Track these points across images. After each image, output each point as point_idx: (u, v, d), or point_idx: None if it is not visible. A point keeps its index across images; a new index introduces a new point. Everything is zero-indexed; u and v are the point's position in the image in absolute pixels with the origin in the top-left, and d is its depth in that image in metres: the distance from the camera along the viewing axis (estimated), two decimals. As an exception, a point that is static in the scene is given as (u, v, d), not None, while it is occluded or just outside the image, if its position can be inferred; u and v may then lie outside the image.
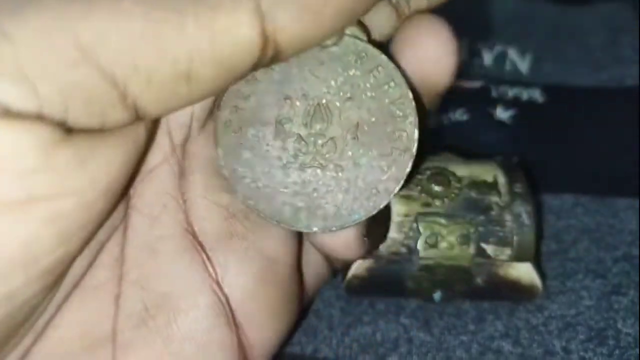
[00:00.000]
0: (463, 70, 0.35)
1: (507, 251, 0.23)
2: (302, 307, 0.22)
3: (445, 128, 0.32)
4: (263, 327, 0.20)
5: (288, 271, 0.20)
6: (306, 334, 0.24)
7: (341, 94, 0.19)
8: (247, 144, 0.19)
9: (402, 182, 0.19)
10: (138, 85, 0.15)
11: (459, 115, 0.32)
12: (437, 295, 0.24)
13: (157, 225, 0.19)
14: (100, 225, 0.17)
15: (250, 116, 0.19)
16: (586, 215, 0.28)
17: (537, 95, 0.34)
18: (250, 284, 0.19)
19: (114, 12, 0.15)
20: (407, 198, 0.24)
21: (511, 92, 0.34)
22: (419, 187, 0.24)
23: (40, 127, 0.14)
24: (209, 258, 0.19)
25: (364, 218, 0.19)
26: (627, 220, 0.28)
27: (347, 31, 0.18)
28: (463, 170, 0.24)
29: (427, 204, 0.24)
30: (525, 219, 0.23)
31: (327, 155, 0.19)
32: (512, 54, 0.36)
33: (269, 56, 0.16)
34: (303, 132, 0.19)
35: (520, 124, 0.32)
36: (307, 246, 0.22)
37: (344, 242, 0.20)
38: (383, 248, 0.23)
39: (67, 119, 0.14)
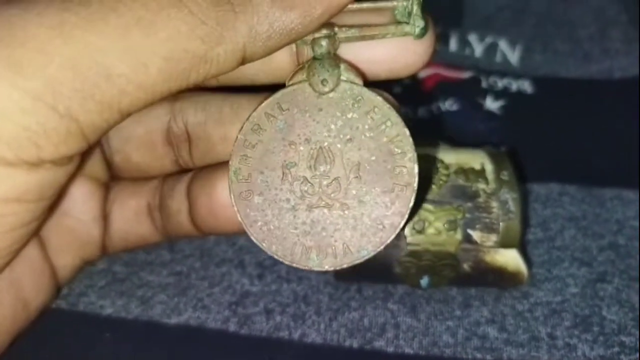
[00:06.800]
0: (454, 60, 0.35)
1: (494, 237, 0.24)
2: None
3: (436, 118, 0.32)
4: None
5: None
6: (294, 319, 0.24)
7: (341, 136, 0.19)
8: (256, 190, 0.20)
9: (406, 216, 0.19)
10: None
11: (449, 105, 0.33)
12: (424, 281, 0.25)
13: None
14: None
15: (258, 163, 0.20)
16: (573, 204, 0.29)
17: (526, 86, 0.34)
18: None
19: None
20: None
21: (501, 83, 0.34)
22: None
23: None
24: None
25: (372, 254, 0.20)
26: (613, 210, 0.29)
27: (343, 77, 0.19)
28: (451, 157, 0.25)
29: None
30: (512, 206, 0.24)
31: (332, 195, 0.20)
32: (503, 45, 0.36)
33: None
34: (308, 174, 0.20)
35: (509, 115, 0.33)
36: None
37: None
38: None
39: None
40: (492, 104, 0.33)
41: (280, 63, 0.20)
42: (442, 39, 0.36)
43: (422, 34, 0.19)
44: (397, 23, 0.19)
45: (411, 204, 0.19)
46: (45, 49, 0.16)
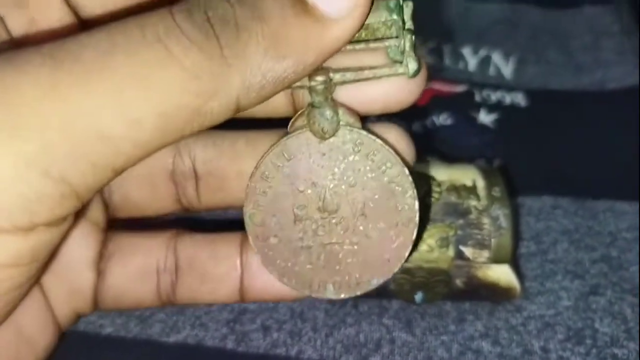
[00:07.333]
0: (447, 74, 0.36)
1: (485, 254, 0.24)
2: None
3: (429, 132, 0.33)
4: None
5: None
6: (291, 335, 0.25)
7: (345, 178, 0.20)
8: (272, 232, 0.21)
9: (410, 248, 0.21)
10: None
11: (443, 119, 0.33)
12: (418, 297, 0.25)
13: None
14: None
15: (270, 208, 0.21)
16: (565, 217, 0.29)
17: (519, 99, 0.34)
18: None
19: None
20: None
21: (494, 96, 0.34)
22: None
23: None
24: None
25: (381, 282, 0.21)
26: (606, 222, 0.29)
27: (342, 121, 0.20)
28: (443, 174, 0.25)
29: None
30: (503, 222, 0.24)
31: (342, 233, 0.21)
32: (496, 58, 0.37)
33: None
34: (317, 215, 0.21)
35: (503, 128, 0.33)
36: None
37: None
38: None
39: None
40: (485, 118, 0.33)
41: (276, 102, 0.21)
42: (435, 53, 0.37)
43: (415, 74, 0.19)
44: (390, 64, 0.19)
45: (414, 237, 0.21)
46: (39, 111, 0.16)
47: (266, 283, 0.22)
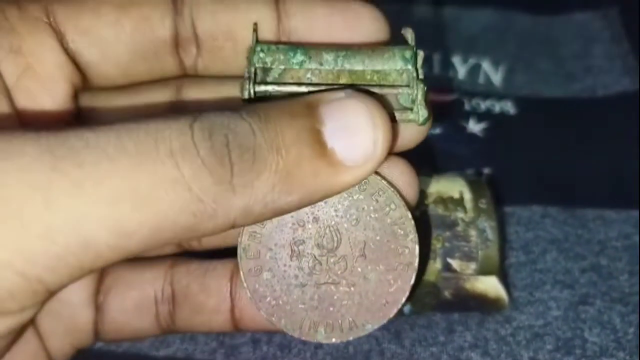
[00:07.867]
0: (437, 83, 0.36)
1: (473, 265, 0.24)
2: None
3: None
4: None
5: None
6: (280, 348, 0.25)
7: (348, 216, 0.20)
8: (265, 266, 0.21)
9: (407, 293, 0.20)
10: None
11: (432, 128, 0.33)
12: (406, 309, 0.25)
13: None
14: None
15: (267, 240, 0.20)
16: (554, 226, 0.29)
17: (509, 107, 0.34)
18: None
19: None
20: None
21: (484, 105, 0.34)
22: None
23: None
24: None
25: (376, 327, 0.21)
26: (595, 231, 0.29)
27: None
28: (430, 186, 0.25)
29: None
30: (490, 234, 0.24)
31: (339, 273, 0.21)
32: (486, 66, 0.37)
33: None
34: (316, 252, 0.20)
35: (492, 137, 0.33)
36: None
37: None
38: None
39: None
40: (474, 127, 0.33)
41: None
42: (425, 62, 0.36)
43: (425, 122, 0.19)
44: (401, 110, 0.19)
45: (412, 282, 0.20)
46: (23, 214, 0.15)
47: (257, 315, 0.21)
